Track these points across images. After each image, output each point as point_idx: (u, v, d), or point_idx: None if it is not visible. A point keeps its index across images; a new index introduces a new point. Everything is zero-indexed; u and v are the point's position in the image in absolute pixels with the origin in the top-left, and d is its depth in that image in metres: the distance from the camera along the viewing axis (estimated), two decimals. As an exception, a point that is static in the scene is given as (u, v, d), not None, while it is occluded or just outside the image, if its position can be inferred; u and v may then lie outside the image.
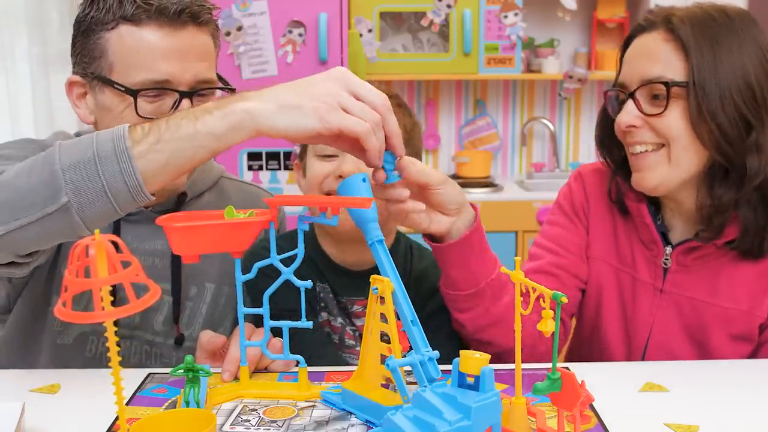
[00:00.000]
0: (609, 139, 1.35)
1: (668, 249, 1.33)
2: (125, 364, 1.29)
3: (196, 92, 1.23)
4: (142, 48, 1.19)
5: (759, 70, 1.22)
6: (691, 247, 1.30)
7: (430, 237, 1.23)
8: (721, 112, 1.20)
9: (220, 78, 1.29)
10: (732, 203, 1.23)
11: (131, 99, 1.20)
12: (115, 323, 1.32)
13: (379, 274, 1.02)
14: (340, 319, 1.37)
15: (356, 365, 1.07)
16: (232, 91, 1.30)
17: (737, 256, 1.29)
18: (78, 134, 1.37)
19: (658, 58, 1.24)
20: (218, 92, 1.32)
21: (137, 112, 1.19)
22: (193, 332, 1.36)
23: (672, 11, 1.26)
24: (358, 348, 1.35)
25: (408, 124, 1.34)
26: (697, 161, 1.24)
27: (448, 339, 1.31)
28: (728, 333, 1.30)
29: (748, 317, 1.29)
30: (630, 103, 1.26)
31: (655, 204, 1.35)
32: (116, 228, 1.30)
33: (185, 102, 1.22)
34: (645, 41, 1.28)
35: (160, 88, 1.20)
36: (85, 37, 1.22)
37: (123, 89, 1.19)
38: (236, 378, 1.12)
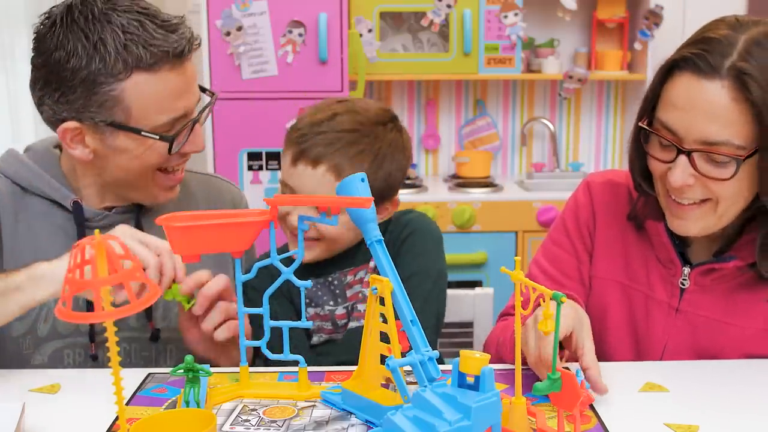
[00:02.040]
0: (643, 167, 1.25)
1: (686, 269, 1.28)
2: (104, 366, 1.30)
3: (202, 111, 1.30)
4: (161, 93, 1.22)
5: None
6: (711, 268, 1.26)
7: None
8: None
9: (200, 88, 1.32)
10: None
11: (151, 141, 1.23)
12: (92, 340, 1.34)
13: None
14: (327, 307, 1.40)
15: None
16: (212, 95, 1.34)
17: (756, 275, 1.24)
18: (28, 149, 1.39)
19: (724, 120, 1.10)
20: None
21: (170, 152, 1.25)
22: (168, 324, 1.36)
23: (732, 54, 1.10)
24: (352, 323, 1.39)
25: (372, 151, 1.35)
26: (740, 210, 1.19)
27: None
28: (744, 352, 1.26)
29: (766, 335, 1.26)
30: (684, 162, 1.14)
31: None
32: (80, 235, 1.30)
33: (197, 126, 1.28)
34: (706, 91, 1.11)
35: (184, 126, 1.26)
36: (88, 89, 1.20)
37: (158, 137, 1.23)
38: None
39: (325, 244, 1.37)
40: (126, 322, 1.34)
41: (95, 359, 1.32)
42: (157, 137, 1.23)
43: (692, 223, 1.20)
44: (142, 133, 1.22)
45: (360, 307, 1.39)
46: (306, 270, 1.37)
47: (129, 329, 1.34)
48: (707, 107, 1.11)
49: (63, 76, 1.20)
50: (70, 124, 1.23)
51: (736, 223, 1.23)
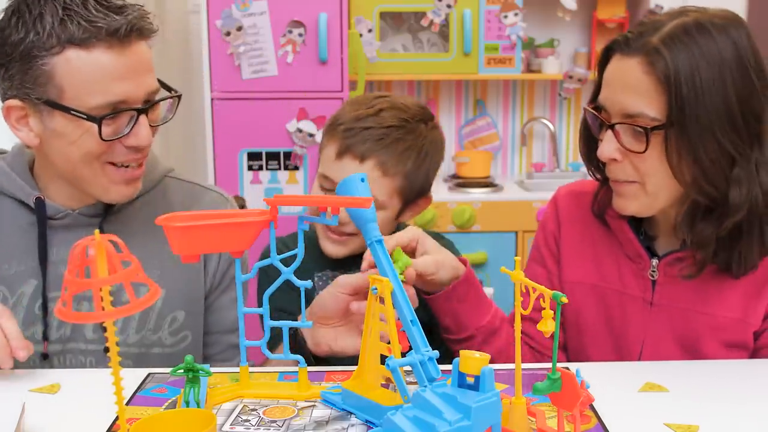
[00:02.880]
0: (594, 153, 1.28)
1: (654, 261, 1.30)
2: (56, 367, 1.29)
3: (151, 105, 1.24)
4: (94, 72, 1.18)
5: (740, 86, 1.14)
6: (677, 258, 1.27)
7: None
8: (702, 154, 1.14)
9: (161, 83, 1.29)
10: (713, 238, 1.20)
11: (89, 124, 1.19)
12: (46, 339, 1.31)
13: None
14: None
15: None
16: (179, 97, 1.30)
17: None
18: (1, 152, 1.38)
19: (638, 91, 1.16)
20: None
21: (101, 137, 1.19)
22: (127, 338, 1.33)
23: (654, 35, 1.16)
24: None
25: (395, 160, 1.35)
26: (677, 192, 1.21)
27: None
28: (722, 342, 1.28)
29: (742, 325, 1.27)
30: (610, 136, 1.20)
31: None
32: (42, 234, 1.28)
33: (142, 118, 1.23)
34: (625, 67, 1.18)
35: (118, 111, 1.20)
36: (25, 63, 1.18)
37: (85, 117, 1.18)
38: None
39: (361, 240, 1.36)
40: (82, 333, 1.31)
41: (45, 358, 1.30)
42: (85, 116, 1.18)
43: (628, 202, 1.24)
44: (72, 111, 1.18)
45: None
46: (328, 263, 1.40)
47: (84, 341, 1.32)
48: (624, 81, 1.18)
49: (5, 51, 1.20)
50: (13, 102, 1.22)
51: (684, 210, 1.23)
